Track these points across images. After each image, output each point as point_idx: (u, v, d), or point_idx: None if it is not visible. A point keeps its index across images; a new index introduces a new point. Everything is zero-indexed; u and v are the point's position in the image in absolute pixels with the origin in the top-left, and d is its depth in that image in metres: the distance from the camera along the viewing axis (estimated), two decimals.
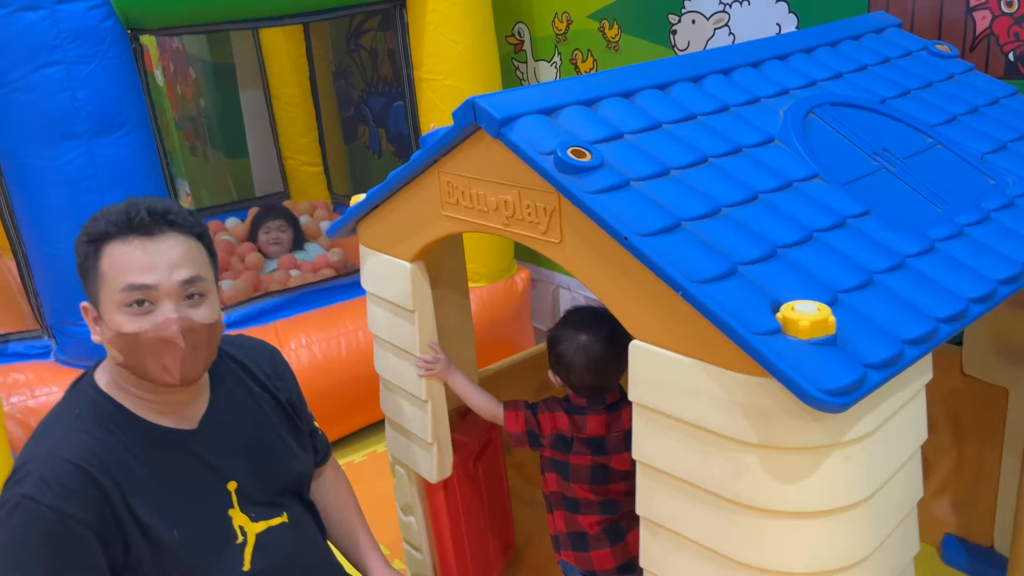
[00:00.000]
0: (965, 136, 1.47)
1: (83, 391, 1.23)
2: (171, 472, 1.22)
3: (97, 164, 2.21)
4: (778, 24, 2.18)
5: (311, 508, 1.43)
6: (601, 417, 1.48)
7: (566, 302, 3.08)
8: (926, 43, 1.74)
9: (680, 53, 2.45)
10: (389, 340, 1.62)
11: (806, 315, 0.93)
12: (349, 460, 2.60)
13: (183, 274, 1.17)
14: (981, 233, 1.24)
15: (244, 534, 1.27)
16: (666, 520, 1.13)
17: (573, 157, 1.10)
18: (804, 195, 1.20)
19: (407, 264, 1.50)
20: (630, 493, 1.19)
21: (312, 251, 3.20)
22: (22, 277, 2.46)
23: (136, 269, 1.15)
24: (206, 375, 1.29)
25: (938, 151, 1.42)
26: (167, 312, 1.15)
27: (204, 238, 1.24)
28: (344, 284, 2.82)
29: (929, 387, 1.12)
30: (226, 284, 2.79)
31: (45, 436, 1.18)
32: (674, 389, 1.06)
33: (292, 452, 1.39)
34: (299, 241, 3.25)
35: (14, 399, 2.29)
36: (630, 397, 1.13)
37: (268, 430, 1.36)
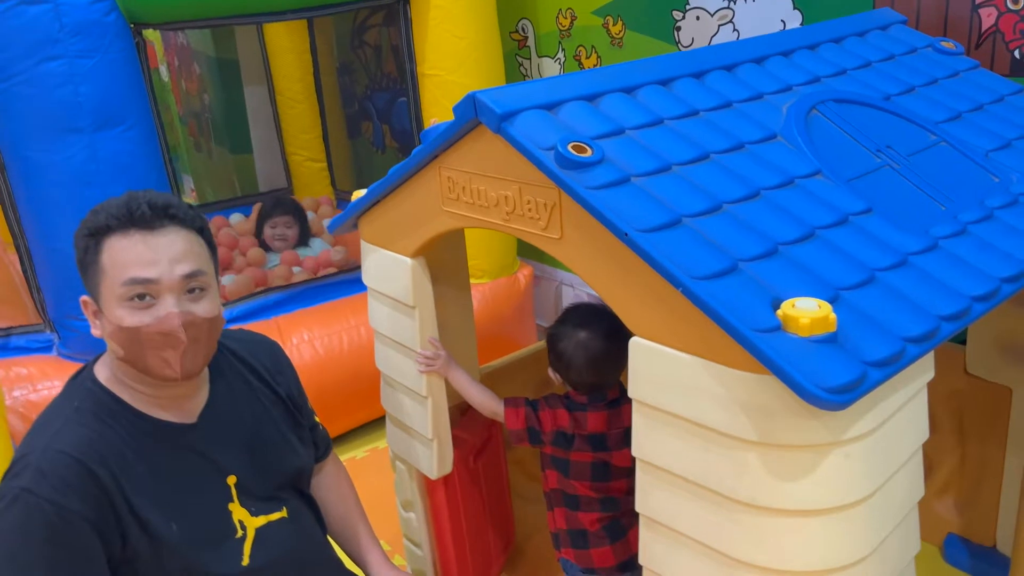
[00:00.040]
0: (970, 133, 1.46)
1: (82, 385, 1.23)
2: (170, 466, 1.22)
3: (99, 159, 2.21)
4: (783, 20, 2.17)
5: (311, 503, 1.43)
6: (602, 413, 1.47)
7: (569, 299, 3.07)
8: (931, 40, 1.74)
9: (684, 50, 2.44)
10: (390, 336, 1.62)
11: (807, 312, 0.93)
12: (351, 456, 2.60)
13: (184, 268, 1.17)
14: (984, 231, 1.23)
15: (244, 528, 1.27)
16: (665, 518, 1.13)
17: (574, 152, 1.09)
18: (806, 192, 1.19)
19: (408, 260, 1.50)
20: (631, 490, 1.19)
21: (317, 247, 3.19)
22: (24, 271, 2.46)
23: (137, 263, 1.14)
24: (206, 369, 1.29)
25: (942, 148, 1.41)
26: (168, 306, 1.15)
27: (204, 232, 1.24)
28: (346, 280, 2.82)
29: (932, 386, 1.11)
30: (228, 279, 2.79)
31: (44, 429, 1.18)
32: (674, 386, 1.06)
33: (292, 447, 1.38)
34: (305, 237, 3.24)
35: (16, 393, 2.30)
36: (630, 394, 1.13)
37: (268, 424, 1.36)
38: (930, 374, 1.10)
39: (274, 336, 2.12)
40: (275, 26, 3.62)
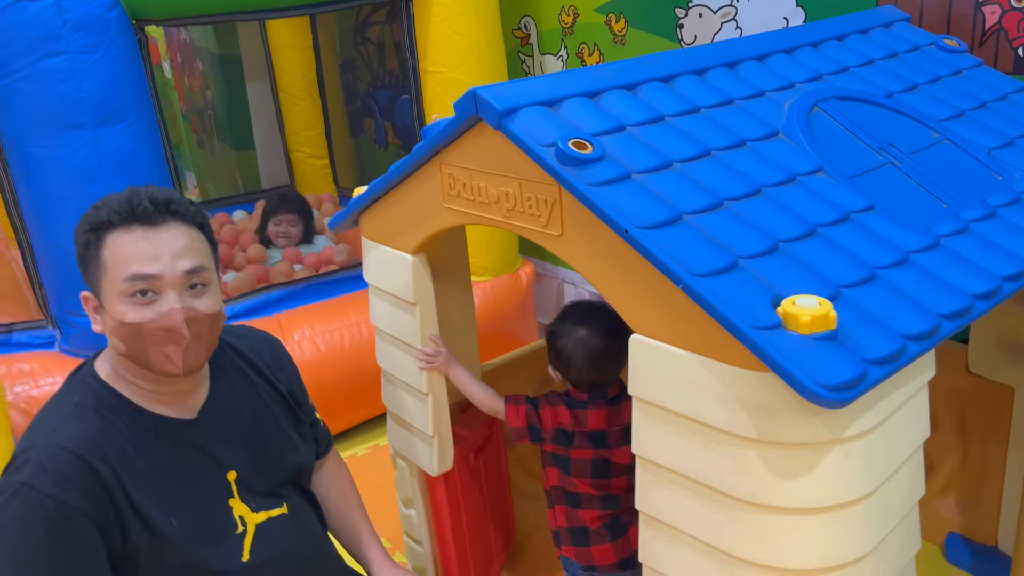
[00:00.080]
0: (972, 131, 1.46)
1: (83, 380, 1.23)
2: (170, 462, 1.22)
3: (101, 155, 2.21)
4: (786, 18, 2.17)
5: (312, 500, 1.43)
6: (602, 411, 1.47)
7: (570, 297, 3.07)
8: (934, 38, 1.73)
9: (687, 47, 2.44)
10: (391, 333, 1.62)
11: (807, 310, 0.93)
12: (352, 453, 2.61)
13: (187, 264, 1.17)
14: (987, 229, 1.22)
15: (244, 524, 1.27)
16: (665, 515, 1.13)
17: (574, 149, 1.09)
18: (807, 189, 1.19)
19: (409, 256, 1.50)
20: (631, 488, 1.18)
21: (321, 244, 3.19)
22: (27, 267, 2.46)
23: (140, 259, 1.14)
24: (206, 365, 1.29)
25: (945, 146, 1.40)
26: (171, 302, 1.15)
27: (205, 228, 1.24)
28: (348, 277, 2.82)
29: (934, 385, 1.11)
30: (229, 277, 2.79)
31: (44, 425, 1.18)
32: (674, 384, 1.05)
33: (292, 443, 1.38)
34: (309, 235, 3.23)
35: (18, 388, 2.30)
36: (630, 391, 1.13)
37: (268, 420, 1.36)
38: (931, 372, 1.09)
39: (276, 332, 2.13)
40: (278, 22, 3.62)
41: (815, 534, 1.00)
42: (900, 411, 1.04)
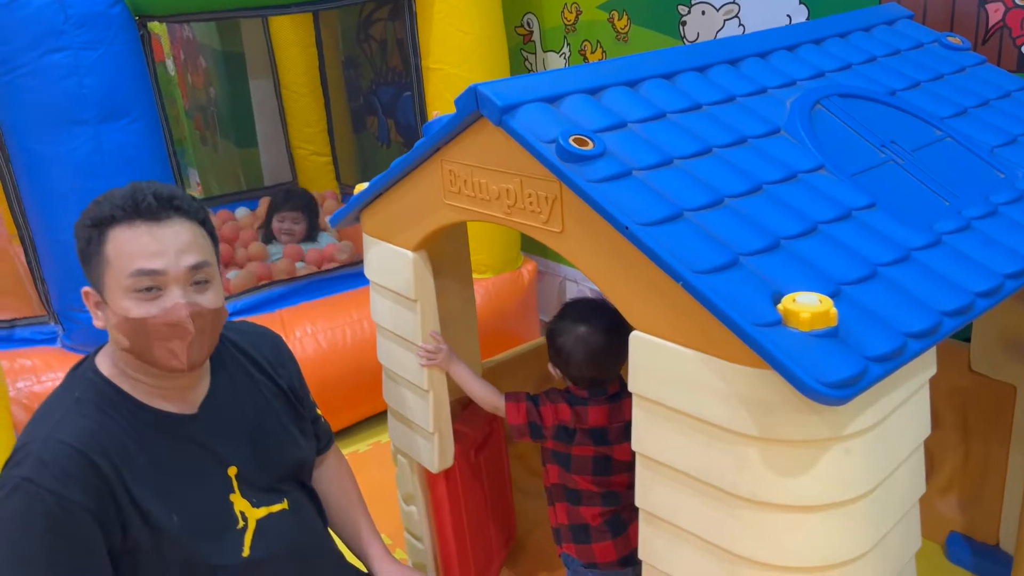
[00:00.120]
0: (975, 129, 1.45)
1: (83, 375, 1.23)
2: (171, 457, 1.22)
3: (104, 151, 2.21)
4: (788, 15, 2.16)
5: (312, 495, 1.43)
6: (603, 407, 1.47)
7: (572, 295, 3.07)
8: (938, 35, 1.73)
9: (689, 44, 2.43)
10: (392, 329, 1.62)
11: (807, 307, 0.92)
12: (354, 450, 2.61)
13: (190, 259, 1.17)
14: (989, 227, 1.22)
15: (245, 519, 1.27)
16: (665, 513, 1.13)
17: (575, 145, 1.09)
18: (809, 186, 1.18)
19: (410, 253, 1.50)
20: (632, 485, 1.18)
21: (324, 242, 3.19)
22: (29, 263, 2.47)
23: (144, 254, 1.15)
24: (208, 360, 1.29)
25: (947, 144, 1.40)
26: (175, 297, 1.15)
27: (207, 224, 1.24)
28: (350, 273, 2.82)
29: (936, 383, 1.11)
30: (231, 275, 2.80)
31: (45, 419, 1.18)
32: (674, 381, 1.05)
33: (293, 439, 1.39)
34: (313, 232, 3.22)
35: (20, 384, 2.31)
36: (630, 388, 1.12)
37: (269, 416, 1.36)
38: (932, 370, 1.09)
39: (277, 329, 2.12)
40: (280, 19, 3.62)
41: (815, 532, 1.00)
42: (901, 409, 1.04)
